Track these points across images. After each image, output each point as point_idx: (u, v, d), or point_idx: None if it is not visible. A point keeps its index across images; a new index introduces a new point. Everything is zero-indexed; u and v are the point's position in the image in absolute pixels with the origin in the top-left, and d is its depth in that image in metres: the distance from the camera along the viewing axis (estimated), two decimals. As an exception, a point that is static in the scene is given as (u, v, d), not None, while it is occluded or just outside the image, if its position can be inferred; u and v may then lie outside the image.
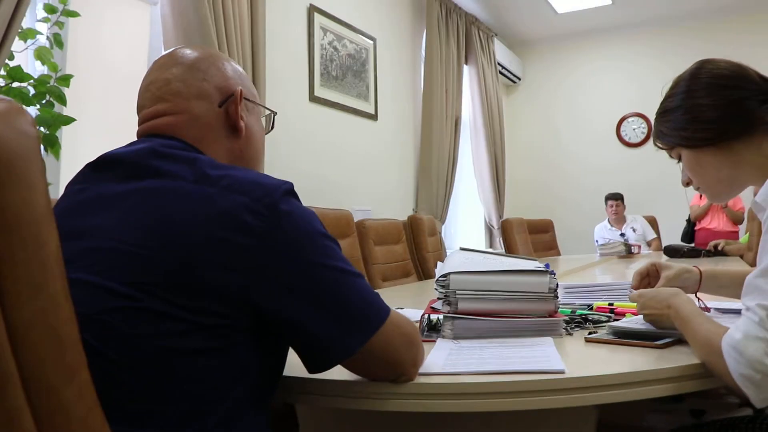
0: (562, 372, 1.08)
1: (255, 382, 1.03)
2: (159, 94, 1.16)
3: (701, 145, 1.34)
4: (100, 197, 1.05)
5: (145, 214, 0.98)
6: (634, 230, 6.42)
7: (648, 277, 1.68)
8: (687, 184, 1.46)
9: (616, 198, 6.55)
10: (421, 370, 1.12)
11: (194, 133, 1.13)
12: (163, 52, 1.25)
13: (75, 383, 0.66)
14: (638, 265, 1.77)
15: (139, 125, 1.18)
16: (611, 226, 6.55)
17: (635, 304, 1.48)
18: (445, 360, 1.22)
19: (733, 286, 1.65)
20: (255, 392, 1.03)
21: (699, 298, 1.63)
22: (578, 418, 1.22)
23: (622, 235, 6.33)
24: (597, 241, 6.44)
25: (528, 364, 1.15)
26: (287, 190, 1.02)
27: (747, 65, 1.35)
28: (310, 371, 1.05)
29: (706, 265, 1.72)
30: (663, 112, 1.43)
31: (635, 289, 1.60)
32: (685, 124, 1.35)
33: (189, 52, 1.21)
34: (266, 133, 1.34)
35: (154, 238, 0.95)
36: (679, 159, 1.43)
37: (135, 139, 1.17)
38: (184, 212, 0.97)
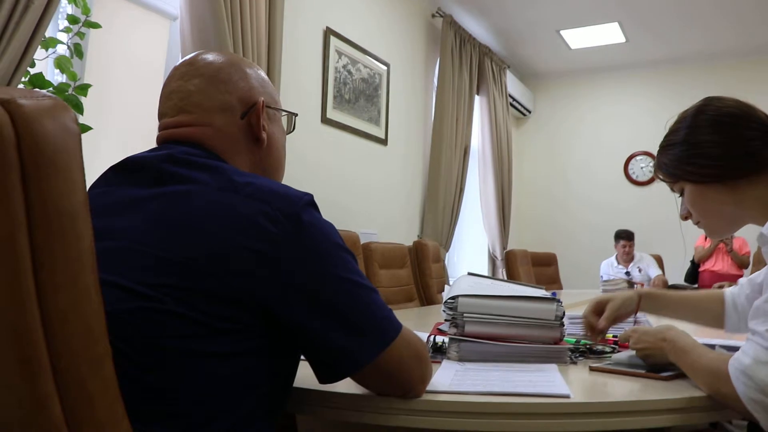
0: (567, 396, 1.09)
1: (266, 392, 1.04)
2: (181, 105, 1.17)
3: (707, 181, 1.34)
4: (124, 200, 1.06)
5: (168, 219, 1.00)
6: (639, 270, 6.34)
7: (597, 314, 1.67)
8: (685, 218, 1.46)
9: (629, 238, 6.45)
10: (428, 388, 1.14)
11: (217, 145, 1.15)
12: (184, 59, 1.24)
13: (101, 375, 0.68)
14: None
15: (159, 131, 1.19)
16: (618, 263, 6.51)
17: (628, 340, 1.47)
18: (452, 379, 1.23)
19: (672, 308, 1.70)
20: (266, 403, 1.04)
21: (636, 318, 1.67)
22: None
23: (627, 273, 6.29)
24: (602, 276, 6.43)
25: (533, 387, 1.16)
26: (309, 202, 1.04)
27: (754, 105, 1.36)
28: (321, 381, 1.06)
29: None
30: (667, 145, 1.43)
31: (588, 319, 1.65)
32: (691, 158, 1.35)
33: (211, 60, 1.21)
34: (288, 134, 1.36)
35: (175, 242, 0.97)
36: (681, 193, 1.43)
37: (154, 146, 1.19)
38: (205, 218, 0.98)
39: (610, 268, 6.52)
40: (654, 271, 6.32)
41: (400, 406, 1.09)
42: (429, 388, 1.14)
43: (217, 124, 1.16)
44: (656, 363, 1.36)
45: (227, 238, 0.97)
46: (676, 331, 1.35)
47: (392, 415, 1.09)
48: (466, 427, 1.07)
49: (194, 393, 0.94)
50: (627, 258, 6.47)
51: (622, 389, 1.26)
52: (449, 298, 1.51)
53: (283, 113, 1.32)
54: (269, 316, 0.99)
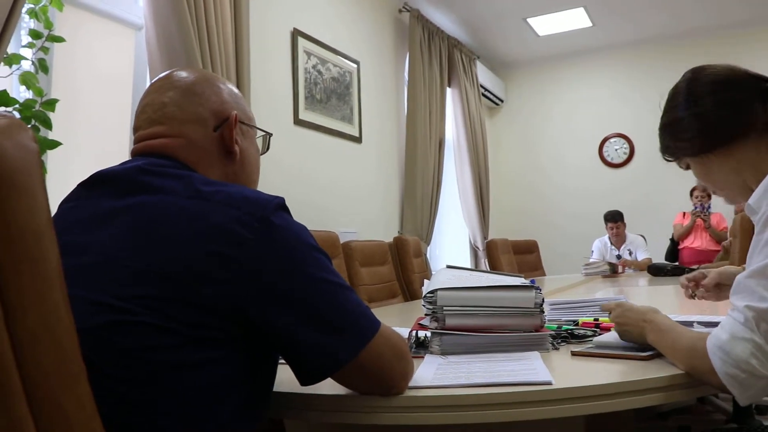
0: (549, 383, 1.10)
1: (248, 395, 1.04)
2: (155, 117, 1.17)
3: (703, 152, 1.34)
4: (94, 214, 1.06)
5: (139, 230, 1.00)
6: (630, 253, 6.29)
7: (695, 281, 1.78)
8: (704, 190, 1.51)
9: (614, 220, 6.34)
10: (411, 383, 1.14)
11: (189, 157, 1.15)
12: (160, 75, 1.25)
13: (75, 393, 0.67)
14: (624, 281, 1.81)
15: (135, 143, 1.19)
16: (611, 244, 6.44)
17: (609, 313, 1.49)
18: (434, 374, 1.23)
19: None
20: (248, 405, 1.04)
21: None
22: (566, 430, 1.24)
23: (619, 257, 6.24)
24: (592, 251, 6.42)
25: (516, 376, 1.17)
26: (279, 205, 1.04)
27: (737, 66, 1.35)
28: (302, 383, 1.06)
29: None
30: (665, 124, 1.43)
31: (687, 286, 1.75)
32: (685, 134, 1.36)
33: (185, 75, 1.22)
34: (261, 154, 1.36)
35: (149, 252, 0.97)
36: (688, 167, 1.43)
37: (127, 158, 1.18)
38: (177, 227, 0.98)
39: (603, 247, 6.45)
40: (641, 254, 6.26)
41: (383, 404, 1.09)
42: (411, 383, 1.14)
43: (190, 136, 1.16)
44: (632, 341, 1.38)
45: (200, 246, 0.97)
46: (659, 314, 1.36)
47: (375, 414, 1.09)
48: (450, 420, 1.07)
49: (173, 404, 0.94)
50: (617, 240, 6.39)
51: (604, 372, 1.26)
52: (428, 292, 1.51)
53: (259, 134, 1.33)
54: (247, 322, 0.99)
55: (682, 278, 1.81)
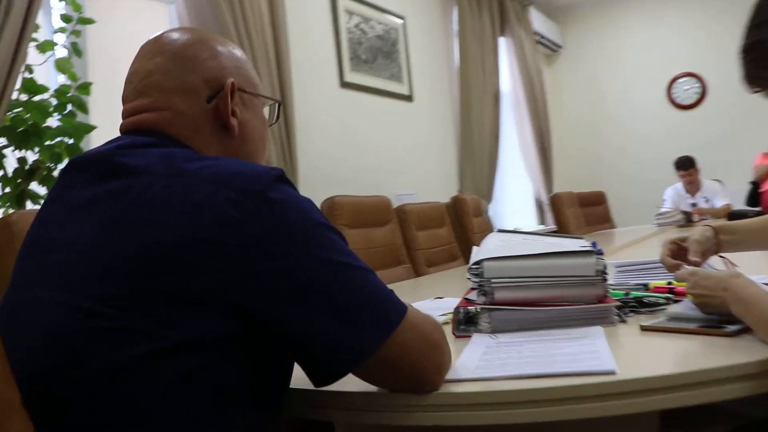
0: (612, 373, 0.92)
1: (256, 399, 0.90)
2: (140, 87, 1.03)
3: None
4: (70, 205, 0.94)
5: (112, 219, 0.86)
6: (706, 200, 5.74)
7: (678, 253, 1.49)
8: None
9: (686, 167, 5.75)
10: (451, 374, 0.98)
11: (181, 131, 1.00)
12: (150, 37, 1.10)
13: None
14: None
15: (123, 119, 1.05)
16: (685, 192, 5.86)
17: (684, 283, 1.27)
18: (479, 361, 1.07)
19: (750, 240, 1.51)
20: (257, 410, 0.91)
21: (725, 259, 1.49)
22: (636, 427, 1.05)
23: (694, 205, 5.78)
24: (665, 200, 5.97)
25: (573, 364, 0.99)
26: (277, 176, 0.89)
27: None
28: (317, 384, 0.92)
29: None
30: (750, 45, 1.19)
31: (671, 269, 1.43)
32: None
33: (177, 37, 1.06)
34: (271, 125, 1.20)
35: (128, 246, 0.84)
36: None
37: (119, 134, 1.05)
38: (156, 211, 0.84)
39: (676, 196, 5.90)
40: (719, 201, 5.66)
41: (417, 403, 0.93)
42: (452, 374, 0.98)
43: (178, 108, 1.01)
44: (715, 313, 1.16)
45: (183, 232, 0.82)
46: (741, 279, 1.11)
47: (408, 413, 0.93)
48: (493, 420, 0.90)
49: (163, 423, 0.80)
50: (692, 187, 5.82)
51: (680, 354, 1.07)
52: (474, 263, 1.34)
53: (267, 102, 1.17)
54: (247, 317, 0.84)
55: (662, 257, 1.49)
